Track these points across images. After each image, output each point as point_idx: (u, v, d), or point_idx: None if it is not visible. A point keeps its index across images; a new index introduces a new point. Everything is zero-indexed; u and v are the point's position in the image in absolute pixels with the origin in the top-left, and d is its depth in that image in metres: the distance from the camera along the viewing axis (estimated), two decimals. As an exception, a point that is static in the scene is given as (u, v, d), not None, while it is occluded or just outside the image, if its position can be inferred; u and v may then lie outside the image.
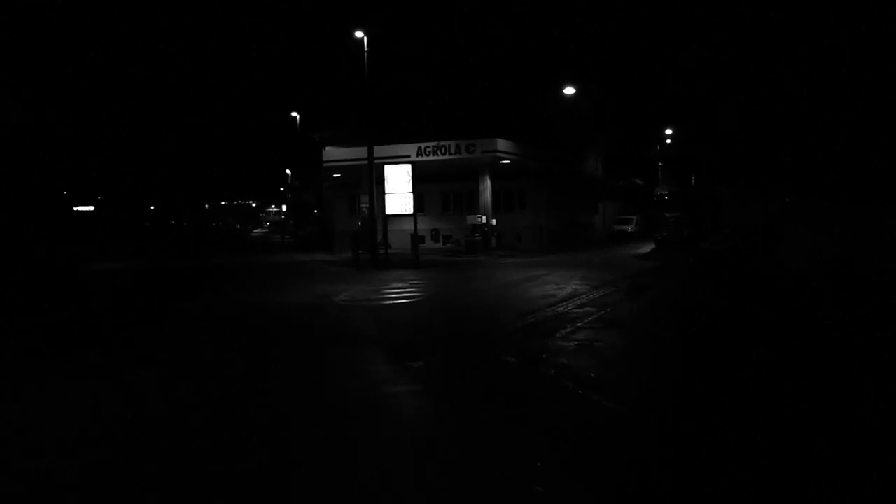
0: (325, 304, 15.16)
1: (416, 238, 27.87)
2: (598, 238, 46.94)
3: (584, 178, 45.62)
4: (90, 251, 38.87)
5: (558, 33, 43.70)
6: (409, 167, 27.93)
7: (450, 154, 31.62)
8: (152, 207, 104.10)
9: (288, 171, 75.04)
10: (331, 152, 35.16)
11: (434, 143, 31.73)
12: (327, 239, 42.37)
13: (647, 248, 35.61)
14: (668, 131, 55.21)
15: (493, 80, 39.36)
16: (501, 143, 31.55)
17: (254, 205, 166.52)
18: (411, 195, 27.71)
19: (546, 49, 43.08)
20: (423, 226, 28.38)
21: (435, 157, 31.85)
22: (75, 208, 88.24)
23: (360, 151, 29.86)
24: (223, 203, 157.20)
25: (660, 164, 63.52)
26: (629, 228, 51.00)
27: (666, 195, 34.47)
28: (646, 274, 21.28)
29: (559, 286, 17.17)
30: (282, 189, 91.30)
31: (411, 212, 27.70)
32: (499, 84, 38.97)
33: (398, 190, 27.93)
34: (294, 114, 53.06)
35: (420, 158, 31.15)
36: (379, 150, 28.54)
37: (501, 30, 42.43)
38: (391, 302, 15.47)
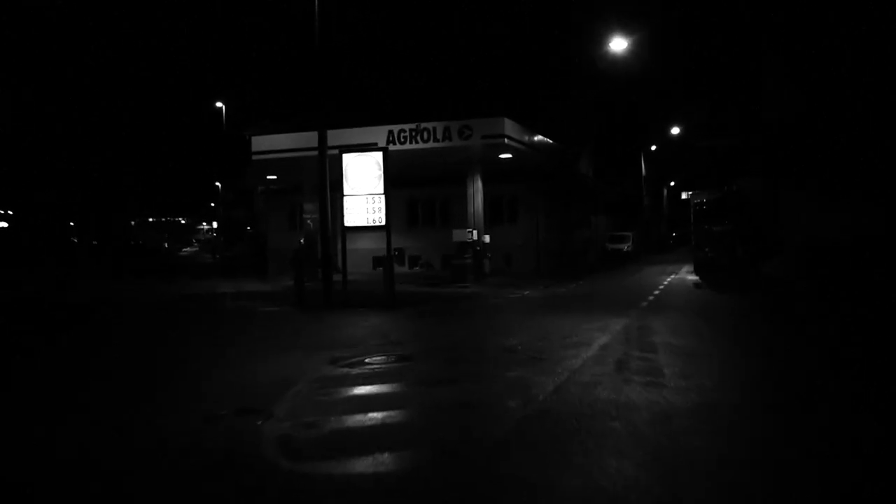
0: (233, 461, 5.80)
1: (390, 262, 18.67)
2: (593, 259, 38.58)
3: (580, 184, 37.25)
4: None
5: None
6: (379, 156, 18.68)
7: (434, 140, 22.14)
8: (71, 224, 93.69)
9: (218, 185, 66.08)
10: (263, 141, 25.16)
11: (412, 126, 22.17)
12: (260, 260, 33.48)
13: (679, 270, 28.19)
14: (675, 130, 47.62)
15: (480, 57, 30.93)
16: (510, 126, 22.23)
17: (183, 222, 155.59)
18: (383, 198, 18.57)
19: (543, 41, 34.89)
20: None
21: (414, 146, 22.32)
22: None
23: (305, 138, 20.62)
24: (150, 220, 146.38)
25: (643, 173, 56.15)
26: (625, 247, 43.11)
27: (705, 203, 26.58)
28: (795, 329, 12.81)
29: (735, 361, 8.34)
30: (212, 205, 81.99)
31: (383, 222, 18.57)
32: (490, 63, 30.56)
33: (363, 190, 18.78)
34: (219, 104, 42.47)
35: (393, 147, 21.70)
36: (333, 137, 19.07)
37: (499, 27, 34.43)
38: (380, 467, 6.11)
